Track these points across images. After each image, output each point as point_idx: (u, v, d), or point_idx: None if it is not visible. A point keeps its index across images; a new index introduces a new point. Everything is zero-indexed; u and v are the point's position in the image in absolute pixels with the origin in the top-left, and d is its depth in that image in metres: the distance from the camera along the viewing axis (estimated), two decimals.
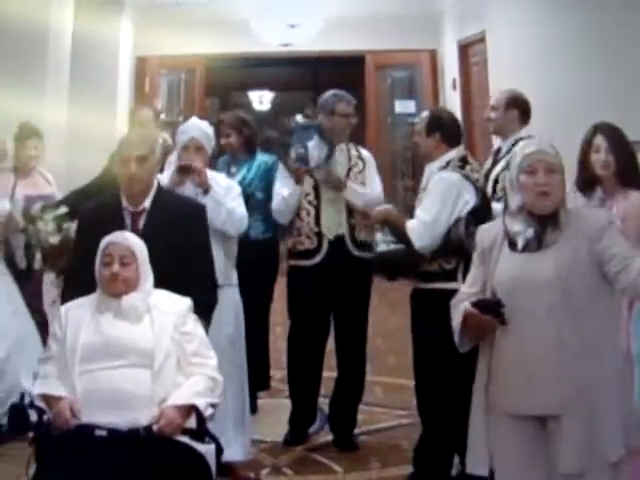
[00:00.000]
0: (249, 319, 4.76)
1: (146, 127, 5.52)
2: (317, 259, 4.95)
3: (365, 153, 5.18)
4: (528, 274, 3.09)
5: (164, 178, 4.49)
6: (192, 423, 3.36)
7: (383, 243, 4.37)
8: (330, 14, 9.64)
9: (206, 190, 4.44)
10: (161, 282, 3.57)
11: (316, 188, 4.96)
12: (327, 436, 5.12)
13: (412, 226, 4.27)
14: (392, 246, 4.33)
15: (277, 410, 5.38)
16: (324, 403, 5.41)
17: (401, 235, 4.29)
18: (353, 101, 5.16)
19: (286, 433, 5.08)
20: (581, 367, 3.03)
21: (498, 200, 4.68)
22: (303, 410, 5.13)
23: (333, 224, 4.95)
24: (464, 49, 9.19)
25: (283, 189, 4.94)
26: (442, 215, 4.22)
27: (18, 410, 3.51)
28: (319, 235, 4.94)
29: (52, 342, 3.52)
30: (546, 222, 3.11)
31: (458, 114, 9.25)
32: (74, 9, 7.29)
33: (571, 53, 6.76)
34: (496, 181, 4.76)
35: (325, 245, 4.94)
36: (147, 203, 3.80)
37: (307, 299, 4.98)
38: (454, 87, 9.45)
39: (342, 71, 12.39)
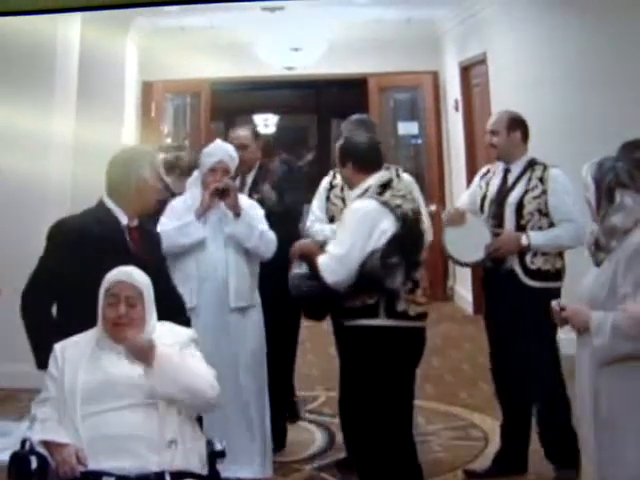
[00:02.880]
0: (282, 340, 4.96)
1: (246, 148, 5.21)
2: None
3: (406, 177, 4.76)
4: (582, 286, 3.24)
5: (187, 199, 4.57)
6: (204, 470, 3.25)
7: (298, 280, 4.07)
8: (333, 37, 9.72)
9: (237, 213, 4.49)
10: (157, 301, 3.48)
11: None
12: (335, 455, 5.14)
13: (323, 261, 3.97)
14: (308, 282, 4.02)
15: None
16: (332, 423, 5.45)
17: (315, 270, 4.00)
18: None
19: None
20: None
21: (524, 225, 4.56)
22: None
23: None
24: (465, 71, 9.25)
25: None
26: (355, 247, 3.92)
27: (19, 458, 3.22)
28: None
29: (49, 382, 3.33)
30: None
31: (460, 135, 9.35)
32: (80, 31, 7.37)
33: (572, 74, 6.82)
34: (521, 206, 4.61)
35: None
36: (136, 219, 3.82)
37: None
38: (456, 108, 9.51)
39: (345, 93, 12.48)
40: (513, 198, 4.64)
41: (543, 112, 7.10)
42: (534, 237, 4.55)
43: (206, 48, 9.77)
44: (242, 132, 5.34)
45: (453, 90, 9.65)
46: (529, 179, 4.65)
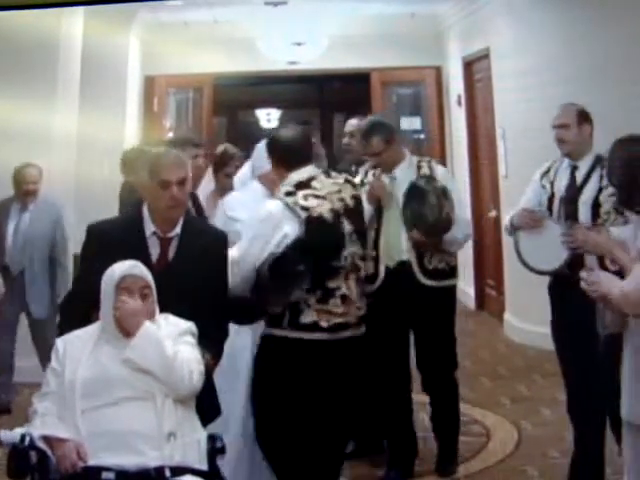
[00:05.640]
0: None
1: (353, 137, 5.13)
2: (376, 285, 4.48)
3: (440, 171, 4.74)
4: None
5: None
6: (203, 465, 3.21)
7: None
8: (335, 32, 9.72)
9: None
10: (187, 313, 3.37)
11: (379, 208, 4.55)
12: None
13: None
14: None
15: None
16: None
17: None
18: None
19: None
20: None
21: (601, 224, 4.11)
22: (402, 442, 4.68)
23: (394, 250, 4.54)
24: (468, 66, 9.24)
25: None
26: (252, 250, 3.68)
27: (19, 452, 3.17)
28: (376, 260, 4.50)
29: (50, 377, 3.31)
30: None
31: (463, 130, 9.34)
32: (83, 26, 7.37)
33: (575, 69, 6.81)
34: (597, 204, 4.22)
35: (382, 270, 4.52)
36: (178, 229, 3.55)
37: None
38: (459, 103, 9.50)
39: (348, 88, 12.48)
40: (587, 197, 4.27)
41: (546, 107, 7.08)
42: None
43: (209, 43, 9.77)
44: (353, 120, 5.21)
45: (456, 85, 9.64)
46: (600, 176, 4.24)
